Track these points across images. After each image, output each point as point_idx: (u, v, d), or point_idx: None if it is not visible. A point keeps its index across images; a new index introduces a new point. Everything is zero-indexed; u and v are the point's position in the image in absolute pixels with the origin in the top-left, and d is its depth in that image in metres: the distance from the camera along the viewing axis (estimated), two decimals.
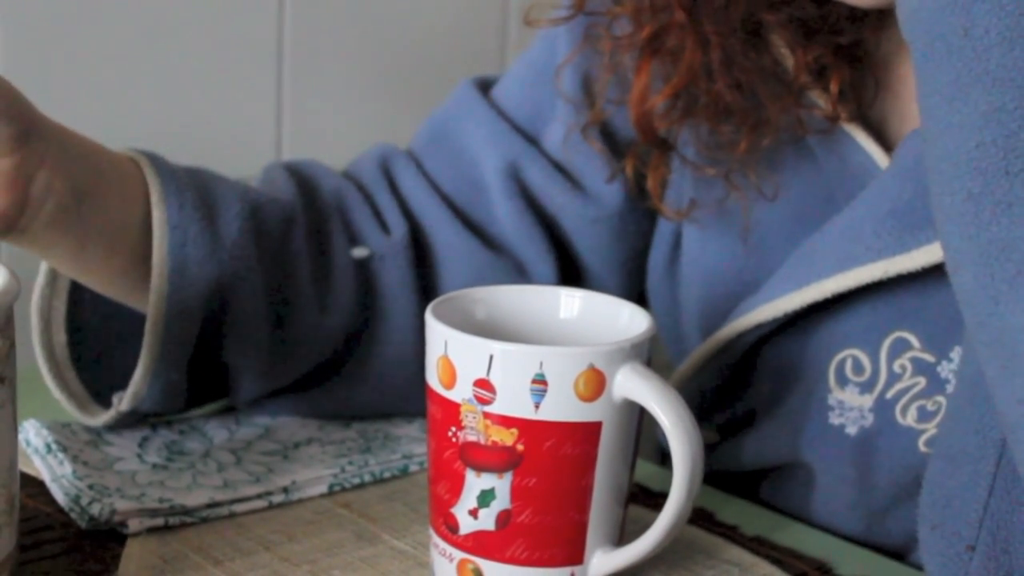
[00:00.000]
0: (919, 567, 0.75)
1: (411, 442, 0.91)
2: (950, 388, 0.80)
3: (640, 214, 0.94)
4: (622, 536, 0.74)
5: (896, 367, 0.82)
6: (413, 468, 0.88)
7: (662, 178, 0.91)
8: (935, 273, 0.78)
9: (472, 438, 0.70)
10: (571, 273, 0.96)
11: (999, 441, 0.65)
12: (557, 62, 0.93)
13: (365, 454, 0.88)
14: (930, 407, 0.81)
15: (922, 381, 0.81)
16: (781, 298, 0.84)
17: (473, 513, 0.71)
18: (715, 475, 0.89)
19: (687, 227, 0.93)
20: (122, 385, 0.86)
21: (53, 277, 0.87)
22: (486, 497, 0.70)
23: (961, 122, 0.59)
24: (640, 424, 0.72)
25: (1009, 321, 0.59)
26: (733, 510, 0.86)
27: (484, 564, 0.71)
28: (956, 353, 0.80)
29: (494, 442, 0.70)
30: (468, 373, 0.70)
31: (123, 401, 0.85)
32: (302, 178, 0.93)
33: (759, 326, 0.86)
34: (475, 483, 0.70)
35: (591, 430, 0.70)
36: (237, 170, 0.91)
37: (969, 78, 0.59)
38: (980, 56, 0.59)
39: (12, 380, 0.68)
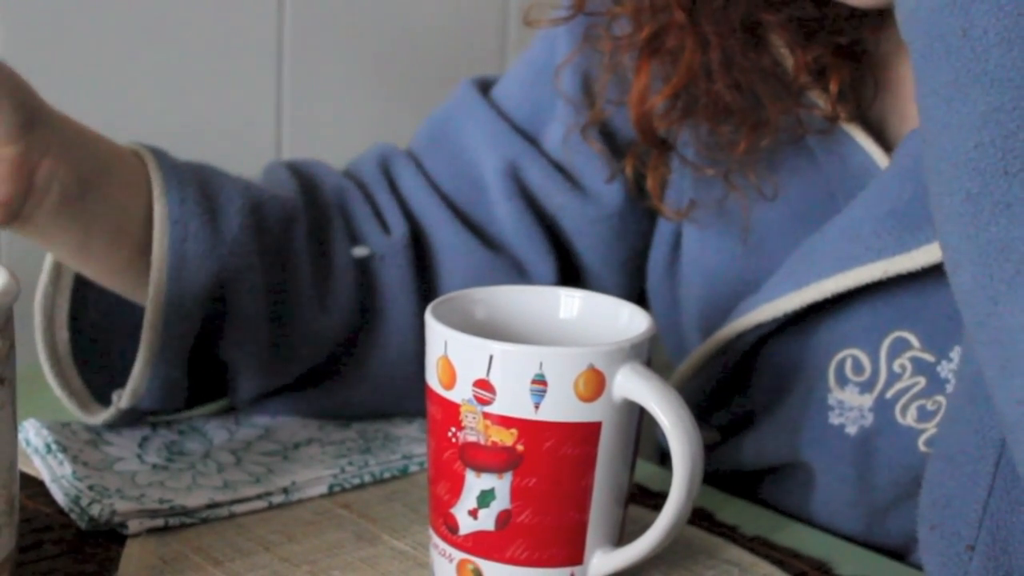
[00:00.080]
0: (919, 567, 0.75)
1: (411, 442, 0.91)
2: (950, 388, 0.80)
3: (640, 214, 0.94)
4: (622, 536, 0.74)
5: (896, 367, 0.82)
6: (413, 468, 0.88)
7: (662, 178, 0.91)
8: (935, 273, 0.78)
9: (472, 438, 0.70)
10: (571, 273, 0.96)
11: (998, 441, 0.65)
12: (557, 62, 0.93)
13: (365, 454, 0.88)
14: (930, 407, 0.81)
15: (922, 381, 0.81)
16: (781, 298, 0.84)
17: (473, 513, 0.71)
18: (715, 475, 0.89)
19: (687, 227, 0.93)
20: (123, 384, 0.86)
21: (56, 274, 0.87)
22: (486, 497, 0.70)
23: (960, 122, 0.59)
24: (640, 424, 0.72)
25: (1008, 321, 0.59)
26: (733, 510, 0.86)
27: (484, 564, 0.71)
28: (956, 353, 0.80)
29: (494, 442, 0.70)
30: (468, 373, 0.70)
31: (122, 398, 0.85)
32: (304, 176, 0.93)
33: (759, 326, 0.86)
34: (475, 483, 0.70)
35: (591, 430, 0.70)
36: (237, 170, 0.91)
37: (968, 78, 0.59)
38: (979, 56, 0.59)
39: (12, 381, 0.68)
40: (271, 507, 0.82)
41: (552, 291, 0.79)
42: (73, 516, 0.79)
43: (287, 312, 0.88)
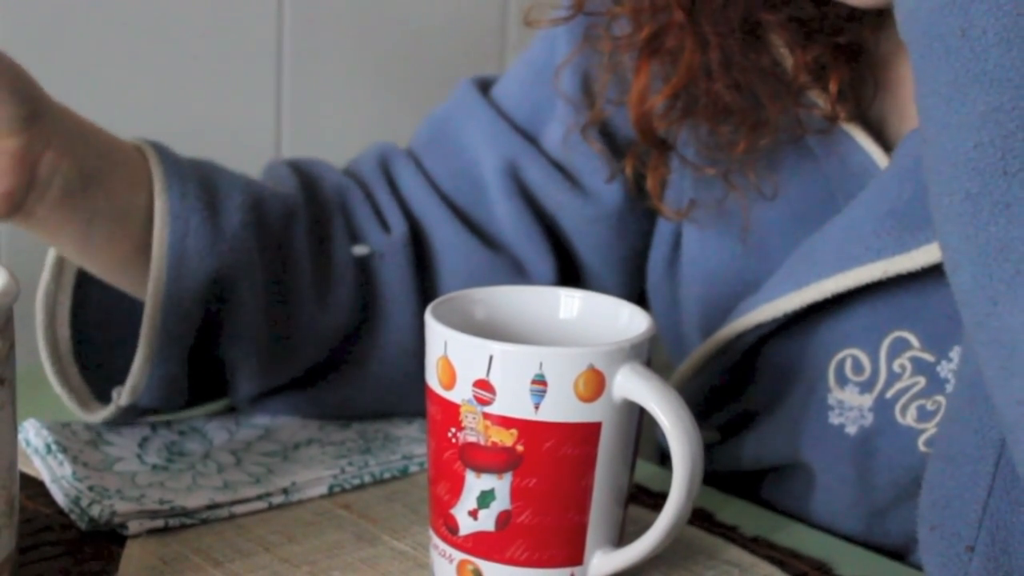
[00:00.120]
0: (919, 567, 0.75)
1: (411, 443, 0.91)
2: (949, 388, 0.80)
3: (640, 213, 0.94)
4: (622, 537, 0.74)
5: (896, 367, 0.82)
6: (413, 469, 0.88)
7: (662, 178, 0.91)
8: (934, 273, 0.78)
9: (472, 439, 0.70)
10: (571, 272, 0.96)
11: (998, 441, 0.65)
12: (556, 62, 0.93)
13: (365, 455, 0.88)
14: (929, 407, 0.81)
15: (922, 381, 0.81)
16: (781, 298, 0.84)
17: (473, 514, 0.71)
18: (715, 475, 0.89)
19: (687, 227, 0.93)
20: (123, 382, 0.86)
21: (59, 271, 0.87)
22: (486, 498, 0.70)
23: (959, 122, 0.59)
24: (640, 424, 0.72)
25: (1007, 321, 0.59)
26: (733, 510, 0.86)
27: (484, 565, 0.71)
28: (955, 353, 0.80)
29: (494, 443, 0.70)
30: (468, 374, 0.70)
31: (122, 395, 0.85)
32: (305, 174, 0.93)
33: (759, 326, 0.86)
34: (475, 484, 0.70)
35: (591, 431, 0.70)
36: (237, 169, 0.91)
37: (967, 79, 0.59)
38: (978, 56, 0.59)
39: (12, 381, 0.68)
40: (271, 508, 0.82)
41: (552, 291, 0.79)
42: (73, 517, 0.79)
43: (286, 309, 0.88)
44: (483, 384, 0.69)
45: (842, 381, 0.84)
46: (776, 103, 0.85)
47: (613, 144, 0.93)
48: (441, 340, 0.71)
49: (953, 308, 0.64)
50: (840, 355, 0.84)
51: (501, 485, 0.70)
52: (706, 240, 0.92)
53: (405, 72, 1.32)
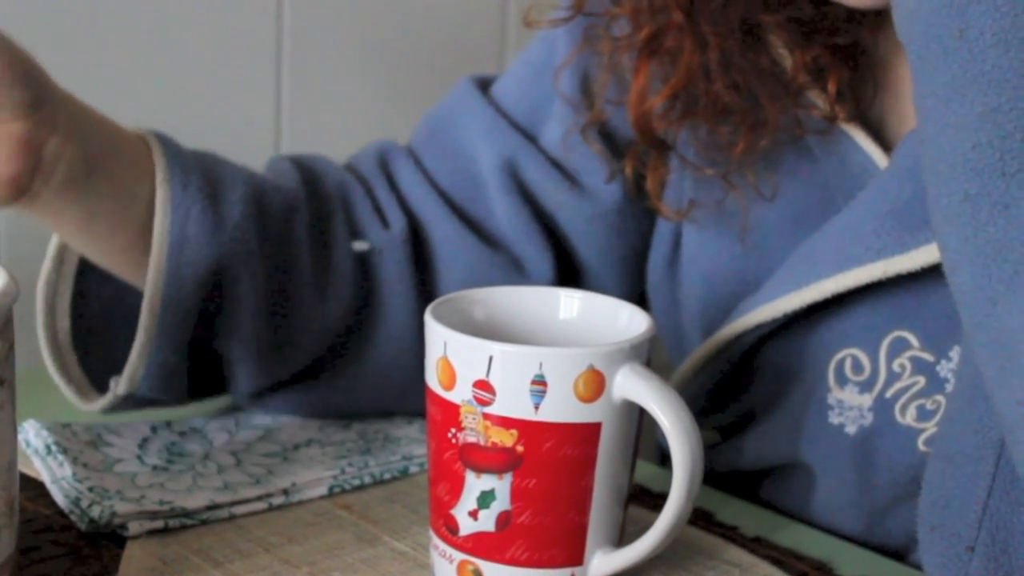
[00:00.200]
0: (919, 567, 0.75)
1: (411, 443, 0.91)
2: (949, 387, 0.80)
3: (639, 213, 0.94)
4: (622, 537, 0.74)
5: (895, 366, 0.82)
6: (413, 469, 0.88)
7: (661, 178, 0.91)
8: (934, 273, 0.78)
9: (472, 439, 0.70)
10: (570, 271, 0.96)
11: (998, 442, 0.65)
12: (556, 62, 0.93)
13: (365, 455, 0.88)
14: (929, 406, 0.81)
15: (921, 380, 0.81)
16: (781, 298, 0.84)
17: (473, 514, 0.71)
18: (715, 475, 0.89)
19: (687, 227, 0.93)
20: (121, 373, 0.86)
21: (60, 262, 0.87)
22: (486, 498, 0.70)
23: (957, 123, 0.59)
24: (640, 425, 0.72)
25: (1007, 322, 0.59)
26: (733, 511, 0.86)
27: (484, 565, 0.72)
28: (955, 352, 0.80)
29: (494, 443, 0.70)
30: (468, 374, 0.70)
31: (120, 384, 0.85)
32: (306, 169, 0.94)
33: (759, 326, 0.86)
34: (475, 484, 0.70)
35: (591, 431, 0.70)
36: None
37: (965, 79, 0.59)
38: (976, 58, 0.59)
39: (11, 382, 0.68)
40: (271, 508, 0.82)
41: (552, 292, 0.79)
42: (73, 518, 0.79)
43: (286, 302, 0.88)
44: (483, 384, 0.69)
45: (842, 381, 0.84)
46: (775, 103, 0.85)
47: (612, 144, 0.93)
48: (441, 341, 0.71)
49: (952, 308, 0.64)
50: (840, 355, 0.84)
51: (501, 485, 0.70)
52: (706, 240, 0.92)
53: (405, 72, 1.32)
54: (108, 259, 0.85)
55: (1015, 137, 0.58)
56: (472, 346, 0.70)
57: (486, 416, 0.69)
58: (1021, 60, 0.58)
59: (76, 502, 0.79)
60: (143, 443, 0.88)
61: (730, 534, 0.82)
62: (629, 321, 0.75)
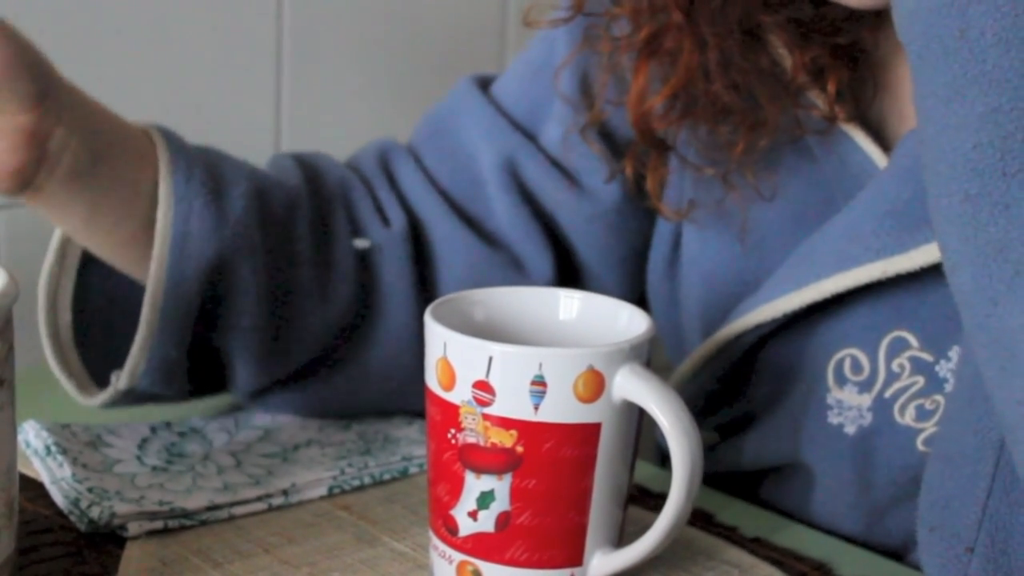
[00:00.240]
0: (918, 567, 0.75)
1: (410, 444, 0.91)
2: (948, 387, 0.80)
3: (638, 212, 0.94)
4: (622, 537, 0.74)
5: (894, 366, 0.82)
6: (413, 470, 0.88)
7: (661, 178, 0.91)
8: (933, 273, 0.78)
9: (471, 440, 0.70)
10: (570, 271, 0.96)
11: (997, 442, 0.65)
12: (555, 62, 0.93)
13: (365, 456, 0.88)
14: (928, 406, 0.81)
15: (920, 380, 0.81)
16: (780, 298, 0.84)
17: (473, 515, 0.71)
18: (715, 476, 0.89)
19: (687, 227, 0.93)
20: (122, 367, 0.86)
21: (62, 255, 0.88)
22: (485, 499, 0.70)
23: (958, 123, 0.59)
24: (640, 425, 0.72)
25: (1008, 322, 0.59)
26: (733, 511, 0.86)
27: (484, 566, 0.71)
28: (954, 352, 0.80)
29: (493, 444, 0.70)
30: (467, 375, 0.70)
31: (121, 378, 0.85)
32: (308, 167, 0.94)
33: (758, 326, 0.86)
34: (474, 485, 0.70)
35: (590, 431, 0.70)
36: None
37: (965, 80, 0.59)
38: (976, 58, 0.59)
39: (11, 383, 0.68)
40: (271, 509, 0.82)
41: (551, 292, 0.79)
42: (73, 518, 0.79)
43: (286, 296, 0.88)
44: (483, 385, 0.69)
45: (841, 381, 0.84)
46: (775, 104, 0.85)
47: (612, 144, 0.93)
48: (440, 341, 0.71)
49: (952, 308, 0.64)
50: (839, 355, 0.84)
51: (501, 486, 0.70)
52: (706, 240, 0.92)
53: (404, 72, 1.32)
54: (111, 252, 0.85)
55: (1016, 137, 0.58)
56: (472, 347, 0.70)
57: (486, 417, 0.69)
58: (1022, 60, 0.58)
59: (75, 503, 0.79)
60: (142, 444, 0.88)
61: (730, 535, 0.82)
62: (629, 322, 0.75)
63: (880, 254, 0.80)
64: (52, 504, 0.81)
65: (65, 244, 0.87)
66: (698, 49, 0.84)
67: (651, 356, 0.72)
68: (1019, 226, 0.58)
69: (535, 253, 0.93)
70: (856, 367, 0.83)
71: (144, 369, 0.85)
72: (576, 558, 0.72)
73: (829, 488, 0.86)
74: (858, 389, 0.83)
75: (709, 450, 0.83)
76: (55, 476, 0.82)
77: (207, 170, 0.85)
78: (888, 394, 0.82)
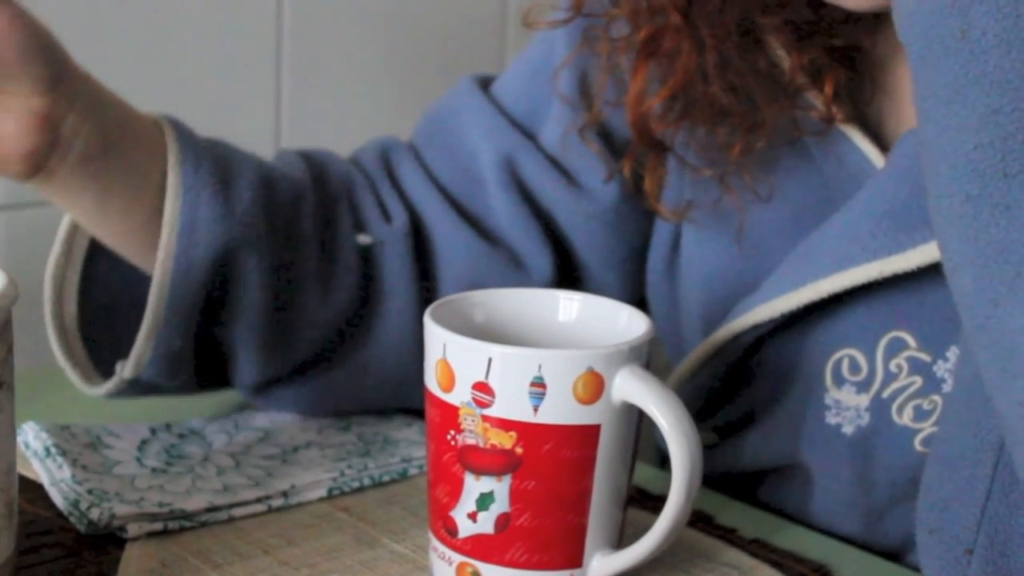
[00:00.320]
0: (917, 568, 0.75)
1: (410, 445, 0.91)
2: (946, 387, 0.80)
3: (637, 212, 0.94)
4: (621, 539, 0.74)
5: (892, 366, 0.82)
6: (412, 471, 0.88)
7: (659, 179, 0.91)
8: (931, 273, 0.78)
9: (471, 441, 0.70)
10: (570, 271, 0.96)
11: (996, 444, 0.65)
12: (555, 62, 0.94)
13: (364, 458, 0.88)
14: (926, 406, 0.81)
15: (918, 380, 0.81)
16: (778, 299, 0.84)
17: (472, 516, 0.71)
18: (714, 477, 0.89)
19: (686, 228, 0.93)
20: (127, 358, 0.86)
21: (69, 247, 0.88)
22: (485, 500, 0.70)
23: (959, 124, 0.59)
24: (639, 427, 0.72)
25: (1008, 324, 0.59)
26: (732, 513, 0.86)
27: (483, 567, 0.71)
28: (952, 352, 0.80)
29: (493, 445, 0.70)
30: (467, 376, 0.70)
31: (126, 367, 0.85)
32: (313, 162, 0.95)
33: (756, 327, 0.86)
34: (474, 486, 0.70)
35: (590, 433, 0.70)
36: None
37: (966, 80, 0.59)
38: (977, 58, 0.59)
39: (11, 384, 0.68)
40: (270, 511, 0.82)
41: (551, 294, 0.79)
42: (72, 520, 0.79)
43: (291, 290, 0.89)
44: (482, 387, 0.69)
45: (839, 381, 0.84)
46: (773, 105, 0.85)
47: (611, 144, 0.93)
48: (440, 343, 0.71)
49: (949, 308, 0.64)
50: (837, 355, 0.84)
51: (500, 487, 0.70)
52: (704, 241, 0.92)
53: (404, 72, 1.32)
54: (119, 241, 0.86)
55: (1017, 138, 0.58)
56: (471, 348, 0.70)
57: (485, 418, 0.69)
58: (1023, 61, 0.58)
59: (75, 504, 0.79)
60: (142, 445, 0.88)
61: (729, 536, 0.82)
62: (628, 323, 0.75)
63: (877, 254, 0.80)
64: (52, 505, 0.80)
65: (71, 235, 0.88)
66: (696, 50, 0.84)
67: (651, 358, 0.72)
68: (1020, 227, 0.58)
69: (534, 251, 0.94)
70: (854, 367, 0.83)
71: (150, 358, 0.85)
72: (576, 559, 0.72)
73: (827, 488, 0.86)
74: (856, 389, 0.83)
75: (707, 450, 0.82)
76: (55, 477, 0.82)
77: (215, 161, 0.86)
78: (886, 394, 0.82)
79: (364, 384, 0.93)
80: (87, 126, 0.79)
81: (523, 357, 0.69)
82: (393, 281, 0.91)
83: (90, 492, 0.80)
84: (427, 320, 0.72)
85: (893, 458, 0.82)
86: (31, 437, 0.85)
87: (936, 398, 0.81)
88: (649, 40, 0.85)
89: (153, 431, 0.90)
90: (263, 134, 1.24)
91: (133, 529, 0.78)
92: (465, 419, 0.70)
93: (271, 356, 0.89)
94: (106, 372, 0.89)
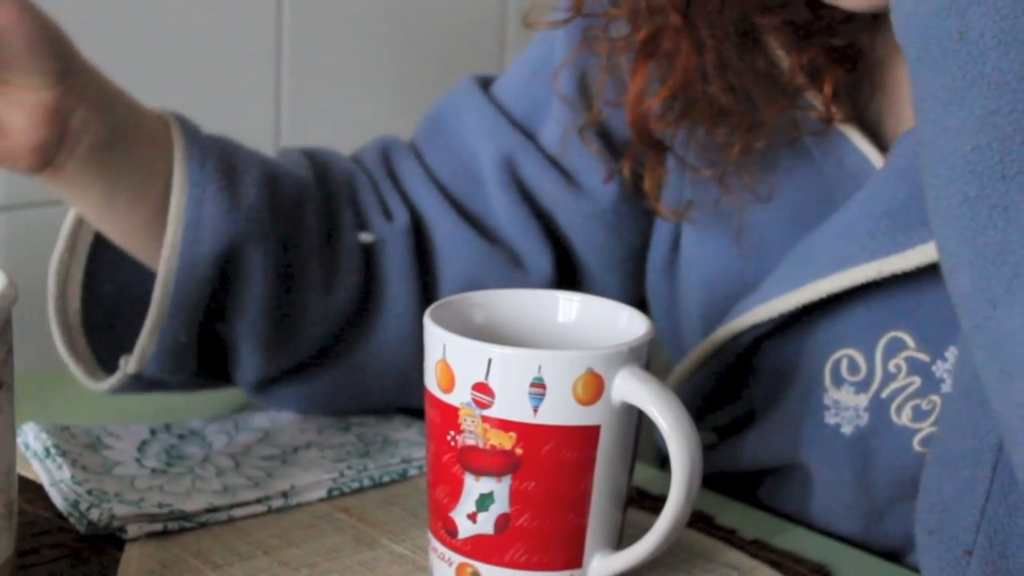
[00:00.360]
0: (916, 568, 0.75)
1: (410, 446, 0.91)
2: (945, 387, 0.80)
3: (636, 212, 0.94)
4: (621, 540, 0.74)
5: (891, 367, 0.82)
6: (412, 472, 0.88)
7: (659, 179, 0.91)
8: (930, 273, 0.78)
9: (471, 442, 0.70)
10: (570, 271, 0.96)
11: (995, 445, 0.65)
12: (555, 62, 0.94)
13: (364, 458, 0.88)
14: (925, 406, 0.81)
15: (917, 380, 0.81)
16: (777, 299, 0.84)
17: (472, 517, 0.71)
18: (713, 478, 0.89)
19: (685, 228, 0.93)
20: (131, 352, 0.86)
21: (73, 242, 0.88)
22: (485, 501, 0.70)
23: (957, 126, 0.59)
24: (639, 427, 0.72)
25: (1006, 325, 0.59)
26: (732, 513, 0.86)
27: (483, 568, 0.72)
28: (951, 352, 0.80)
29: (493, 446, 0.70)
30: (467, 377, 0.70)
31: (130, 362, 0.85)
32: (316, 160, 0.95)
33: (755, 327, 0.86)
34: (474, 487, 0.70)
35: (590, 434, 0.70)
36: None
37: (964, 82, 0.59)
38: (975, 59, 0.59)
39: (10, 385, 0.68)
40: (270, 511, 0.82)
41: (551, 295, 0.79)
42: (72, 520, 0.79)
43: (294, 286, 0.89)
44: (482, 387, 0.69)
45: (838, 381, 0.84)
46: (772, 105, 0.85)
47: (610, 144, 0.93)
48: (440, 343, 0.71)
49: (948, 308, 0.64)
50: (836, 355, 0.84)
51: (500, 488, 0.70)
52: (704, 241, 0.92)
53: (404, 73, 1.32)
54: (125, 236, 0.86)
55: (1015, 140, 0.58)
56: (471, 349, 0.70)
57: (485, 419, 0.69)
58: (1021, 62, 0.58)
59: (75, 504, 0.79)
60: (142, 446, 0.88)
61: (729, 537, 0.82)
62: (628, 324, 0.75)
63: (876, 254, 0.80)
64: (51, 506, 0.81)
65: (76, 231, 0.88)
66: (696, 51, 0.84)
67: (650, 358, 0.72)
68: (1018, 229, 0.58)
69: (534, 250, 0.94)
70: (853, 367, 0.83)
71: (153, 353, 0.85)
72: (575, 560, 0.72)
73: (827, 488, 0.86)
74: (855, 389, 0.83)
75: (707, 450, 0.82)
76: (54, 478, 0.82)
77: (220, 156, 0.86)
78: (885, 394, 0.82)
79: (364, 383, 0.93)
80: (95, 120, 0.80)
81: (523, 358, 0.69)
82: (394, 279, 0.92)
83: (90, 493, 0.80)
84: (427, 321, 0.72)
85: (892, 458, 0.82)
86: (31, 438, 0.85)
87: (935, 398, 0.81)
88: (648, 40, 0.86)
89: (153, 432, 0.90)
90: (263, 134, 1.24)
91: (133, 530, 0.78)
92: (465, 420, 0.70)
93: (273, 353, 0.89)
94: (109, 368, 0.89)
